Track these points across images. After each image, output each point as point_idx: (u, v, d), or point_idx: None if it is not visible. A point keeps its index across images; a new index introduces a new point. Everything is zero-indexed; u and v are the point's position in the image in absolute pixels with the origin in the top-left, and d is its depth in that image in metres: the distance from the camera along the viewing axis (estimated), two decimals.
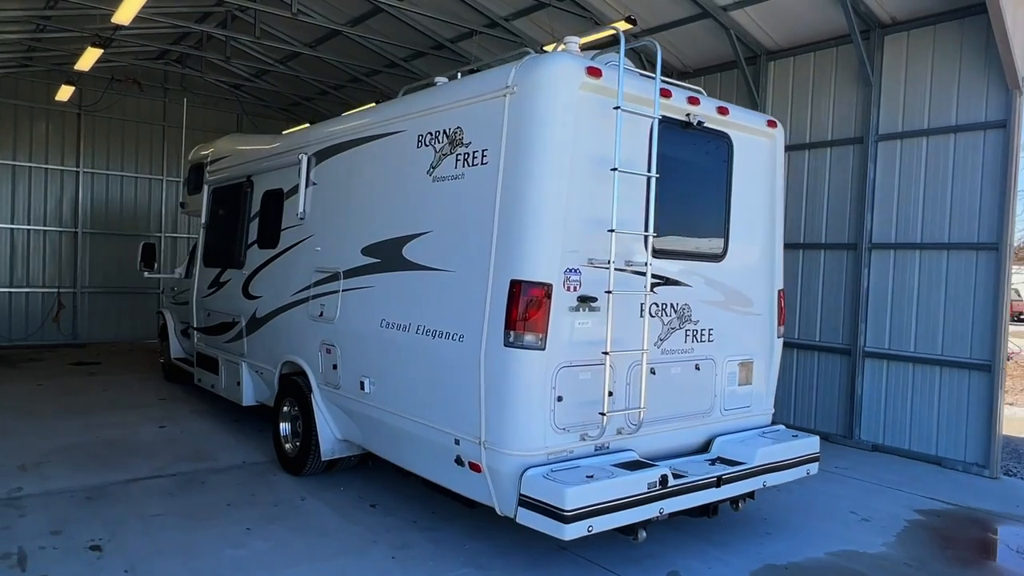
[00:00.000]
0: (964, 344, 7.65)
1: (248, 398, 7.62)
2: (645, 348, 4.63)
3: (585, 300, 4.43)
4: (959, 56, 7.77)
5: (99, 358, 13.13)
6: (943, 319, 7.84)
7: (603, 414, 4.42)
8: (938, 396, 7.88)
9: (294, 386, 6.48)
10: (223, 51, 13.03)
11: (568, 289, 4.36)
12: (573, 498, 3.93)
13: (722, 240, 5.36)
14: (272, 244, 7.07)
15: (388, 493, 6.04)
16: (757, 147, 5.58)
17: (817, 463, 5.55)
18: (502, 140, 4.39)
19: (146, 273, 10.44)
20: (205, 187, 8.90)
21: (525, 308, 4.19)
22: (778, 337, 5.83)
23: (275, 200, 7.14)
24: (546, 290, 4.22)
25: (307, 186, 6.53)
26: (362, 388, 5.49)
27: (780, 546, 5.27)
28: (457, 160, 4.75)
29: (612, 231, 4.36)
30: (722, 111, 5.21)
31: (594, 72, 4.38)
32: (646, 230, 4.57)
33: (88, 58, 11.08)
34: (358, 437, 5.88)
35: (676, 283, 5.02)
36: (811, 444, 5.51)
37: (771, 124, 5.65)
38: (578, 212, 4.38)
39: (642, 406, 4.61)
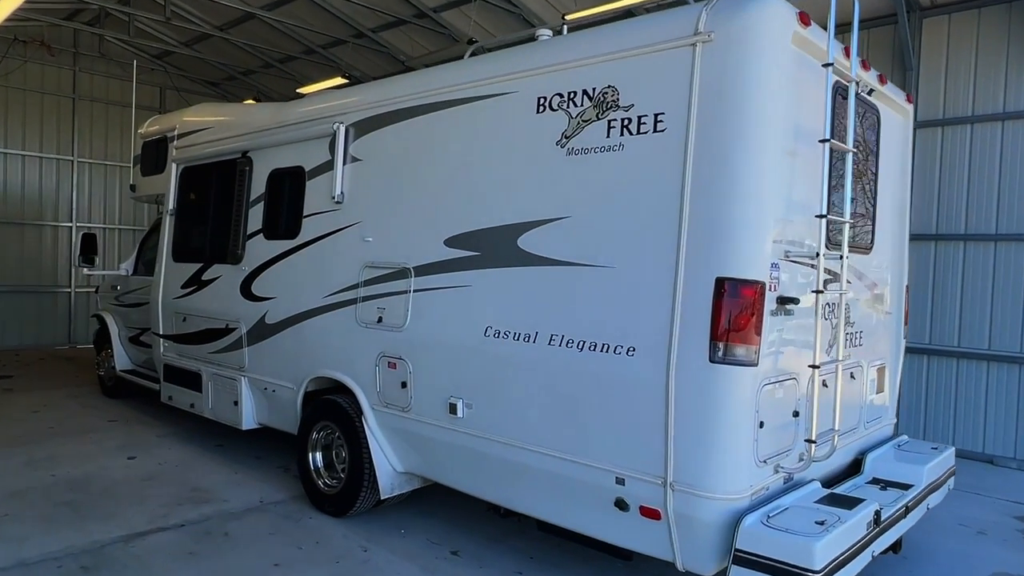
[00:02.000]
0: (1014, 337, 7.43)
1: (248, 420, 6.30)
2: (840, 358, 3.88)
3: (785, 302, 3.61)
4: (1007, 40, 7.51)
5: (7, 370, 11.06)
6: (990, 312, 7.60)
7: (811, 441, 3.62)
8: (985, 392, 7.64)
9: (332, 408, 5.29)
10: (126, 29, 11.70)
11: (770, 288, 3.52)
12: (823, 553, 3.10)
13: (870, 229, 4.69)
14: (288, 234, 5.80)
15: (462, 535, 5.00)
16: (896, 124, 4.93)
17: (954, 477, 5.01)
18: (690, 101, 3.48)
19: (86, 270, 8.72)
20: (172, 167, 7.39)
21: (735, 313, 3.31)
22: (903, 338, 5.24)
23: (291, 181, 5.87)
24: (758, 289, 3.36)
25: (345, 162, 5.33)
26: (452, 412, 4.43)
27: (935, 574, 4.67)
28: (610, 127, 3.79)
29: (822, 217, 3.55)
30: (882, 79, 4.52)
31: (805, 20, 3.55)
32: (841, 214, 3.80)
33: None
34: (432, 470, 4.80)
35: (839, 278, 4.29)
36: (951, 456, 4.96)
37: (908, 99, 5.03)
38: (776, 194, 3.54)
39: (836, 428, 3.84)
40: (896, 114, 4.91)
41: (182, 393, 7.09)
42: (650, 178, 3.60)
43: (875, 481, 4.46)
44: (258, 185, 6.22)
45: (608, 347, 3.69)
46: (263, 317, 5.97)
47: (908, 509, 4.09)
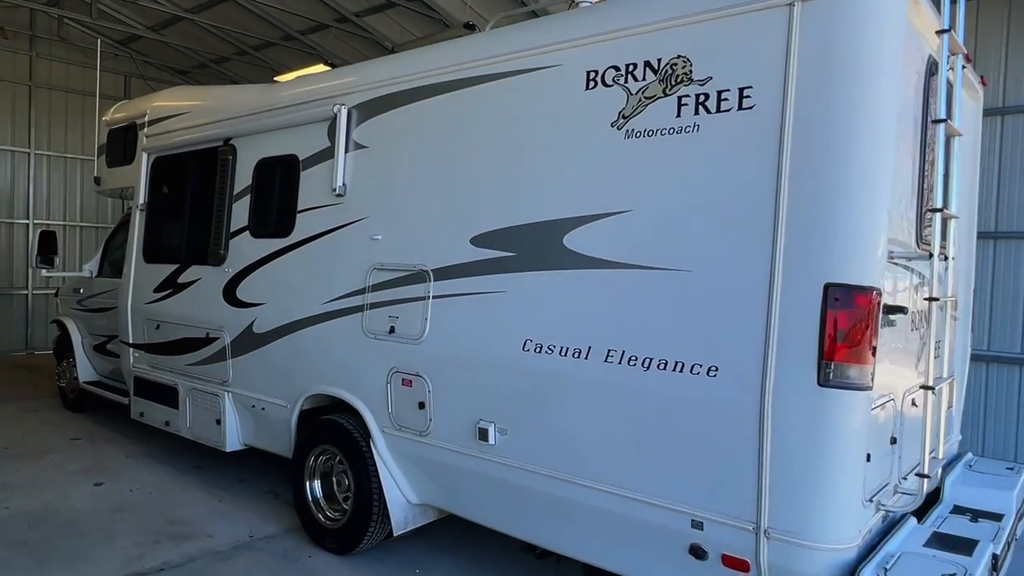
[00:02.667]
0: None
1: (232, 442, 5.60)
2: (942, 373, 3.35)
3: (891, 311, 3.06)
4: None
5: None
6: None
7: (924, 476, 3.08)
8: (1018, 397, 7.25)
9: (334, 430, 4.64)
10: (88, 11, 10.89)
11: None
12: None
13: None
14: (280, 232, 5.12)
15: None
16: (970, 110, 4.44)
17: None
18: (786, 73, 2.90)
19: (44, 271, 7.89)
20: (143, 156, 6.62)
21: (848, 327, 2.75)
22: (969, 346, 4.76)
23: (283, 171, 5.19)
24: (874, 298, 2.80)
25: (348, 150, 4.67)
26: (482, 438, 3.81)
27: None
28: (681, 105, 3.20)
29: (938, 211, 3.02)
30: (968, 58, 4.00)
31: None
32: (943, 206, 3.26)
33: None
34: (455, 502, 4.18)
35: (927, 282, 3.77)
36: None
37: (983, 82, 4.53)
38: (890, 184, 2.99)
39: (941, 456, 3.32)
40: (970, 99, 4.42)
41: (155, 409, 6.35)
42: (734, 164, 3.02)
43: (959, 510, 3.94)
44: (243, 176, 5.52)
45: (682, 366, 3.10)
46: (250, 326, 5.28)
47: (1008, 545, 3.59)
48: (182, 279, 6.02)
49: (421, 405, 4.12)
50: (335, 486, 4.75)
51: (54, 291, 9.51)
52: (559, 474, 3.53)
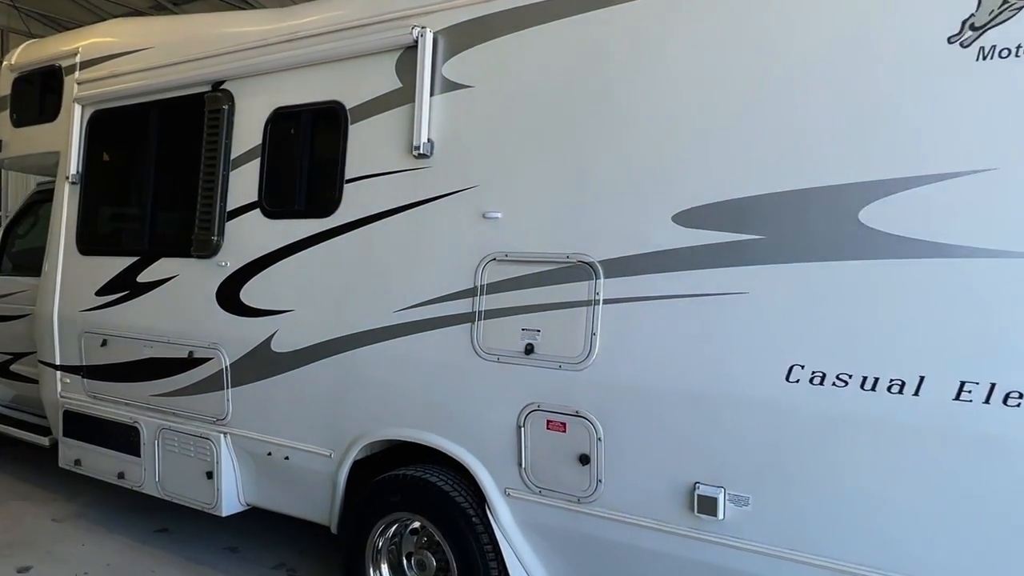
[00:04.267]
0: None
1: (231, 503, 4.03)
2: None
3: None
4: None
5: None
6: None
7: None
8: None
9: (420, 491, 3.23)
10: None
11: None
12: None
13: None
14: (316, 209, 3.63)
15: None
16: None
17: None
18: None
19: None
20: (74, 111, 4.83)
21: None
22: None
23: (317, 125, 3.70)
24: None
25: (436, 91, 3.27)
26: (703, 510, 2.56)
27: None
28: None
29: None
30: None
31: None
32: None
33: None
34: None
35: None
36: None
37: None
38: None
39: None
40: None
41: (101, 457, 4.61)
42: None
43: None
44: (247, 134, 3.95)
45: None
46: (267, 342, 3.75)
47: None
48: (144, 277, 4.36)
49: (583, 459, 2.82)
50: (416, 572, 3.36)
51: None
52: (853, 567, 2.35)
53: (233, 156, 3.99)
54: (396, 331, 3.31)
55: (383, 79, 3.45)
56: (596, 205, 2.83)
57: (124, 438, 4.47)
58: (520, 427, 2.97)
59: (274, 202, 3.83)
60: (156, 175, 4.39)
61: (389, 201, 3.39)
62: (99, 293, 4.58)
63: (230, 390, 3.94)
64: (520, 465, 2.99)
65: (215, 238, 3.98)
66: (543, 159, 2.98)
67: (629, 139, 2.78)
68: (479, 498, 3.12)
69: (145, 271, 4.35)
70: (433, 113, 3.26)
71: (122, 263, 4.47)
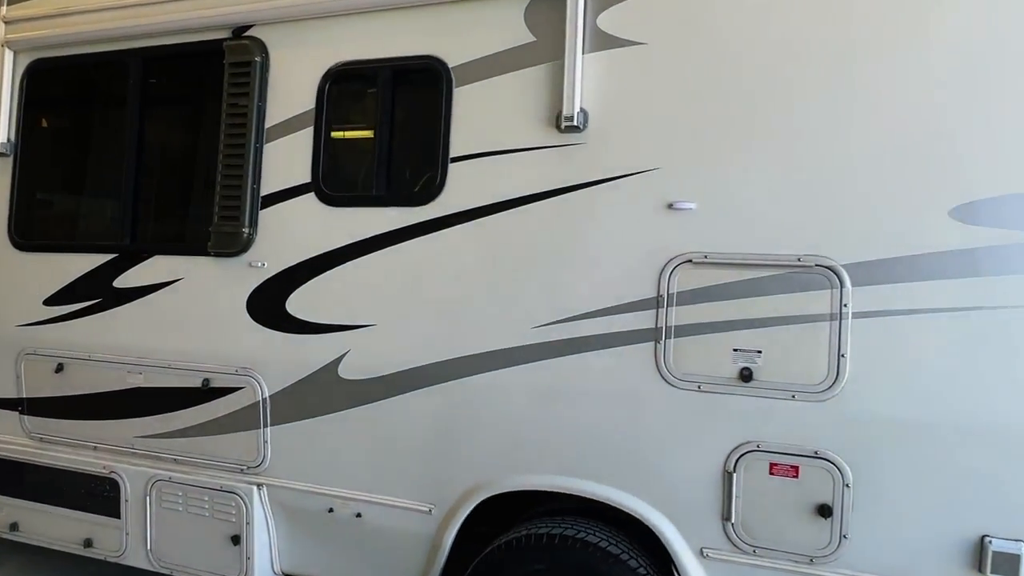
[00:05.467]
0: None
1: (264, 574, 3.12)
2: None
3: None
4: None
5: None
6: None
7: None
8: None
9: (580, 556, 2.53)
10: None
11: None
12: None
13: None
14: (407, 196, 2.83)
15: None
16: None
17: None
18: None
19: None
20: (4, 58, 3.61)
21: None
22: None
23: (403, 87, 2.88)
24: None
25: (588, 49, 2.56)
26: (998, 570, 2.10)
27: None
28: None
29: None
30: None
31: None
32: None
33: None
34: None
35: None
36: None
37: None
38: None
39: None
40: None
41: (53, 519, 3.47)
42: None
43: None
44: (290, 96, 3.04)
45: None
46: (331, 366, 2.88)
47: None
48: (125, 281, 3.30)
49: (823, 510, 2.27)
50: None
51: None
52: None
53: (269, 125, 3.06)
54: (536, 352, 2.60)
55: (506, 31, 2.71)
56: (839, 195, 2.28)
57: (92, 494, 3.39)
58: (729, 472, 2.37)
59: (338, 185, 2.96)
60: (140, 147, 3.34)
61: (521, 186, 2.66)
62: (49, 302, 3.45)
63: (268, 429, 3.03)
64: (726, 519, 2.39)
65: (246, 231, 3.04)
66: (759, 137, 2.38)
67: (889, 113, 2.25)
68: (657, 561, 2.49)
69: (127, 273, 3.30)
70: (586, 76, 2.57)
71: (86, 262, 3.38)
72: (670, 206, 2.46)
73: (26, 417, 3.53)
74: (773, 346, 2.32)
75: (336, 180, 2.97)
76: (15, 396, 3.56)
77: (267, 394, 3.01)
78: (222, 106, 3.10)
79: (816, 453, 2.28)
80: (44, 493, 3.49)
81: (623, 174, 2.53)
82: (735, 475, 2.37)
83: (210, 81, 3.15)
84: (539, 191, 2.64)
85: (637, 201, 2.51)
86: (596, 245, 2.55)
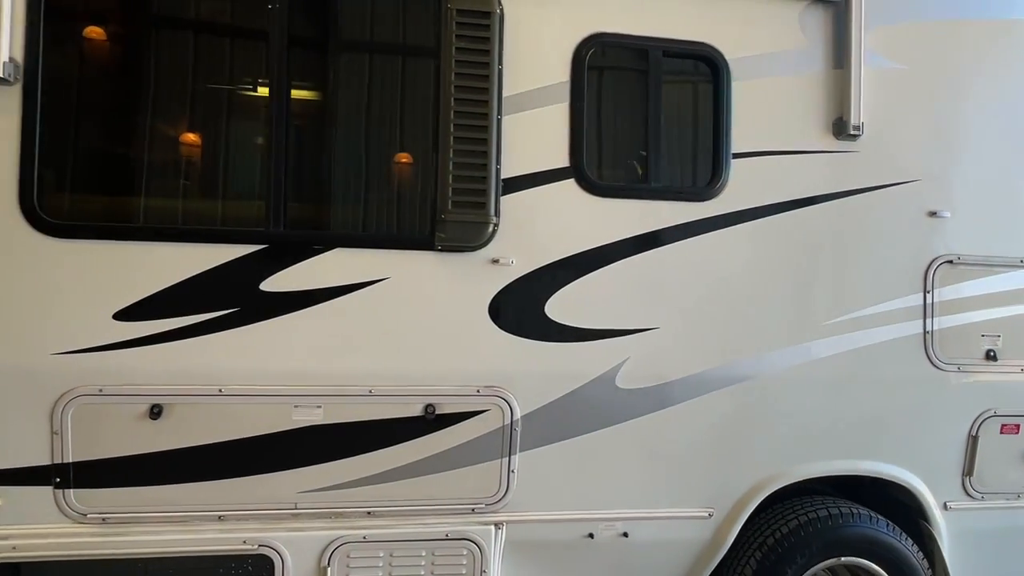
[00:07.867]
0: None
1: None
2: None
3: None
4: None
5: None
6: None
7: None
8: None
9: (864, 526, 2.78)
10: None
11: None
12: None
13: None
14: (685, 191, 2.64)
15: None
16: None
17: None
18: None
19: None
20: None
21: None
22: None
23: (676, 71, 2.67)
24: None
25: (863, 64, 2.77)
26: None
27: None
28: None
29: None
30: None
31: None
32: None
33: None
34: None
35: None
36: None
37: None
38: None
39: None
40: None
41: None
42: None
43: None
44: (531, 62, 2.56)
45: None
46: (607, 376, 2.58)
47: None
48: (284, 283, 2.40)
49: None
50: None
51: None
52: None
53: (505, 95, 2.54)
54: (827, 347, 2.74)
55: (781, 32, 2.75)
56: None
57: None
58: (973, 436, 2.88)
59: (606, 173, 2.62)
60: (292, 102, 2.43)
61: (802, 187, 2.75)
62: (126, 315, 2.31)
63: (516, 456, 2.57)
64: (967, 475, 2.90)
65: (493, 221, 2.49)
66: (995, 158, 2.90)
67: None
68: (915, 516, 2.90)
69: (285, 272, 2.40)
70: (864, 91, 2.78)
71: (203, 256, 2.36)
72: (932, 214, 2.84)
73: (71, 492, 2.31)
74: (1009, 330, 2.89)
75: (603, 167, 2.63)
76: (46, 463, 2.29)
77: (518, 415, 2.54)
78: (441, 60, 2.47)
79: None
80: None
81: (893, 183, 2.82)
82: (975, 439, 2.89)
83: (422, 29, 2.47)
84: (818, 193, 2.76)
85: (903, 208, 2.82)
86: (872, 247, 2.79)
